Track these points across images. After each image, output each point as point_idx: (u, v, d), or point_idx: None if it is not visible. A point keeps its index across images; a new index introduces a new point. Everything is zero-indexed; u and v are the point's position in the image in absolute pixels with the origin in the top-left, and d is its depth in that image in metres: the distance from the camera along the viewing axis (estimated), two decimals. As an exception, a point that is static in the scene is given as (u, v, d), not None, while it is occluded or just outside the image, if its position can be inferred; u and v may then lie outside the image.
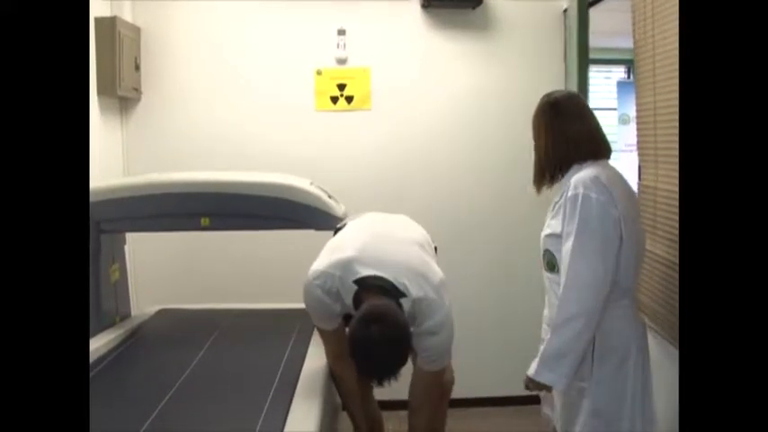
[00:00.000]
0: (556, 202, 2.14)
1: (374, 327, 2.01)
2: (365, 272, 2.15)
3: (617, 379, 2.06)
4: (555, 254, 2.09)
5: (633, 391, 2.06)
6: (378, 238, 2.33)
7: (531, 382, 2.08)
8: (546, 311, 2.26)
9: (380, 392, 2.75)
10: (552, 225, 2.11)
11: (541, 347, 2.06)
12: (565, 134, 2.12)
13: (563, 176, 2.13)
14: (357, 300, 2.16)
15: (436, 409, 2.44)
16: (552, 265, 2.12)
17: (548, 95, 2.21)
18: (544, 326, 2.27)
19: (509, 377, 3.79)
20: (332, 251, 2.26)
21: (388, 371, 2.08)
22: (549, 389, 2.08)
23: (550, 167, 2.15)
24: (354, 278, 2.15)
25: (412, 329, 2.14)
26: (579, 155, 2.11)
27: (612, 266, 1.98)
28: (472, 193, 3.81)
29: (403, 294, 2.14)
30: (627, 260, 2.03)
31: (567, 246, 1.99)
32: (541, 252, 2.19)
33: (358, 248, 2.22)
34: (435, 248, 2.54)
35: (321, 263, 2.22)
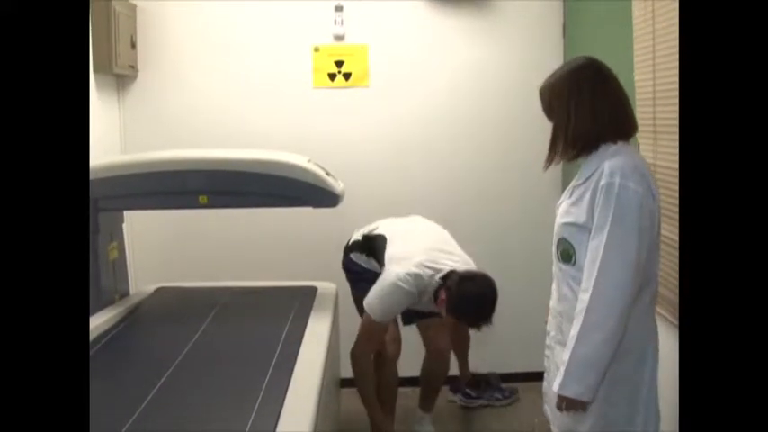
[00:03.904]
0: (575, 186, 1.96)
1: (477, 277, 2.69)
2: (446, 269, 2.71)
3: (632, 381, 1.92)
4: (573, 244, 1.92)
5: (648, 392, 1.94)
6: (428, 238, 2.94)
7: (562, 401, 1.87)
8: (552, 302, 2.10)
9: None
10: (573, 213, 1.92)
11: (565, 356, 1.86)
12: (611, 103, 1.92)
13: (587, 156, 1.93)
14: (437, 290, 2.71)
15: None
16: (569, 256, 1.95)
17: (584, 57, 1.99)
18: (549, 318, 2.12)
19: (504, 358, 3.85)
20: (401, 260, 2.75)
21: (492, 309, 2.65)
22: (583, 406, 1.86)
23: (582, 142, 1.91)
24: (440, 275, 2.70)
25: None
26: (617, 131, 1.92)
27: (644, 263, 1.83)
28: (471, 170, 3.80)
29: None
30: (652, 254, 1.89)
31: (599, 241, 1.81)
32: (555, 240, 2.02)
33: (425, 250, 2.78)
34: None
35: (405, 268, 2.69)
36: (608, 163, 1.84)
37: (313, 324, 2.54)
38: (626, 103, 1.96)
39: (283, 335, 2.42)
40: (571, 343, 1.84)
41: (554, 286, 2.08)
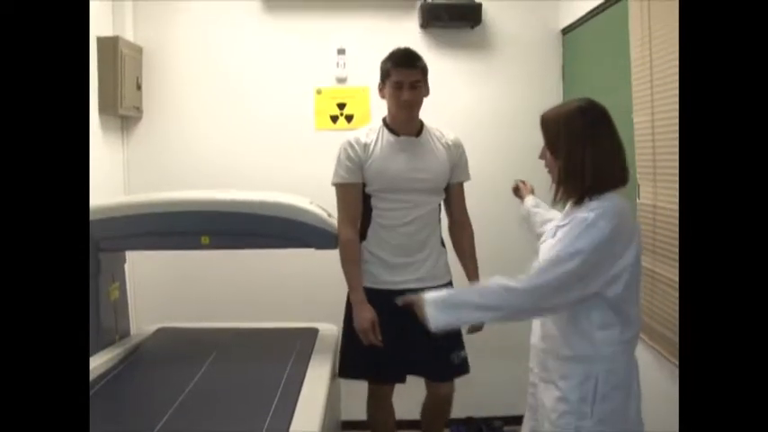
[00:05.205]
0: (559, 226, 1.97)
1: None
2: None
3: (621, 415, 1.94)
4: None
5: (635, 423, 1.98)
6: None
7: (410, 305, 2.00)
8: (534, 340, 2.12)
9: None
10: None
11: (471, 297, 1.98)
12: (612, 151, 1.93)
13: (581, 201, 1.93)
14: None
15: None
16: None
17: (589, 101, 1.97)
18: (531, 355, 2.15)
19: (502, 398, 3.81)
20: None
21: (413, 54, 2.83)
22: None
23: (595, 187, 1.90)
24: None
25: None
26: (613, 180, 1.92)
27: (575, 301, 1.87)
28: (470, 212, 3.80)
29: None
30: (631, 295, 1.91)
31: (552, 253, 1.86)
32: None
33: None
34: None
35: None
36: (593, 203, 1.87)
37: (314, 366, 2.53)
38: (623, 153, 1.96)
39: (284, 376, 2.40)
40: (479, 288, 1.99)
41: (536, 324, 2.11)
